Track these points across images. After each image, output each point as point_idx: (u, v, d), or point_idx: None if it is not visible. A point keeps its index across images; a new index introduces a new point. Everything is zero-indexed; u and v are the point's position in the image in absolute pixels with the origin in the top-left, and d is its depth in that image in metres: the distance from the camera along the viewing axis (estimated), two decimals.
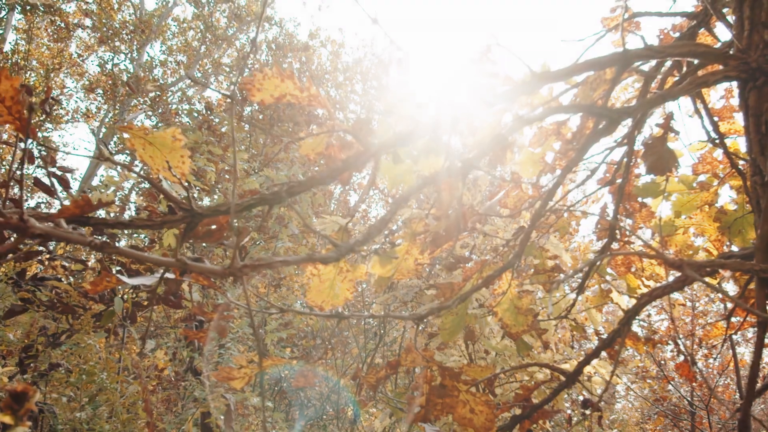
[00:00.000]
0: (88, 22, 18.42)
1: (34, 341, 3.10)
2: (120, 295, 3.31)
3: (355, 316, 1.45)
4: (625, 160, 2.22)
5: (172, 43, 20.69)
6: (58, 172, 3.59)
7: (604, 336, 2.71)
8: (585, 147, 1.68)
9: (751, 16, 1.53)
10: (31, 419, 4.03)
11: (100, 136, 17.69)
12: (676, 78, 2.32)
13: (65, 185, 3.52)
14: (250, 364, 1.77)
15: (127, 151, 18.33)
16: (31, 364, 3.40)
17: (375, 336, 6.66)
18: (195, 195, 6.95)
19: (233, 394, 4.10)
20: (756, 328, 1.31)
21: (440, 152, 1.44)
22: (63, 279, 3.77)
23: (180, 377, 5.66)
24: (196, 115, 10.12)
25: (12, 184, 3.57)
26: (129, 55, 18.72)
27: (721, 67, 1.48)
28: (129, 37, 18.24)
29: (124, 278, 1.70)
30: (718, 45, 2.01)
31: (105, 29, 17.81)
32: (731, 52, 1.51)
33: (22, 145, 1.18)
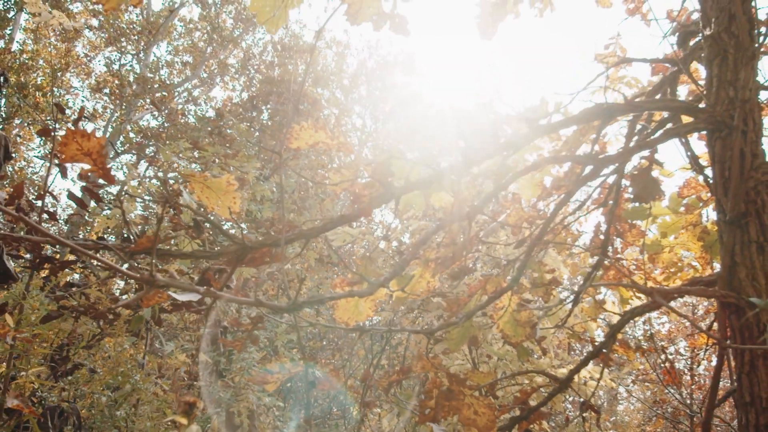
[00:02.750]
0: (95, 22, 18.62)
1: (73, 344, 3.36)
2: None
3: (375, 330, 1.70)
4: (616, 187, 2.46)
5: (179, 43, 20.87)
6: (90, 187, 3.85)
7: (599, 342, 2.95)
8: (575, 188, 1.92)
9: (719, 74, 1.77)
10: (59, 416, 4.29)
11: (107, 135, 17.93)
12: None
13: (97, 199, 3.78)
14: (282, 371, 2.02)
15: (134, 151, 18.60)
16: (65, 366, 3.66)
17: (381, 339, 6.89)
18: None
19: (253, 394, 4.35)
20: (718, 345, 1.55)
21: (450, 190, 1.69)
22: (92, 286, 4.03)
23: (193, 377, 5.92)
24: (208, 126, 10.36)
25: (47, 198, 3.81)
26: (136, 56, 18.93)
27: (692, 119, 1.73)
28: (136, 37, 18.45)
29: (175, 295, 1.96)
30: (692, 97, 2.25)
31: (112, 30, 18.02)
32: (701, 105, 1.75)
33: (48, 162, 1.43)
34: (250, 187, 6.59)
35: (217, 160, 6.70)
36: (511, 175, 1.56)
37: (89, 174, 3.63)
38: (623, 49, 2.93)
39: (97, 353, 4.07)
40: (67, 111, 17.16)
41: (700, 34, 1.94)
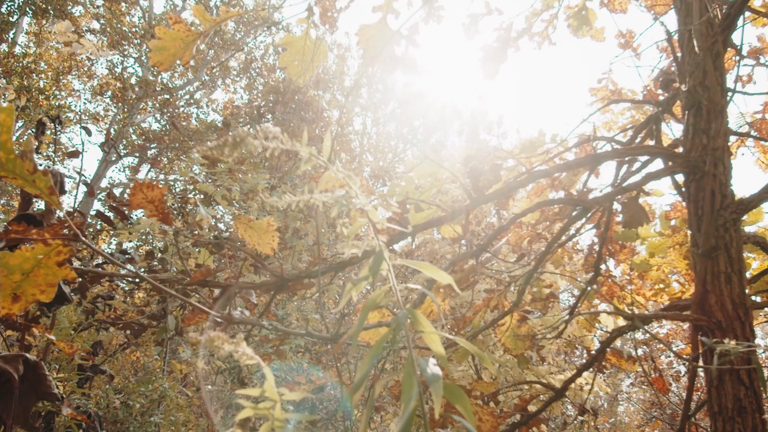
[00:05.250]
0: (96, 24, 18.76)
1: (106, 352, 3.61)
2: (171, 313, 3.82)
3: (392, 348, 1.94)
4: (607, 212, 2.70)
5: None
6: (115, 205, 4.09)
7: (592, 355, 3.19)
8: (567, 225, 2.17)
9: (694, 122, 2.01)
10: (89, 416, 4.54)
11: (110, 138, 18.09)
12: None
13: (123, 217, 4.02)
14: (308, 383, 2.26)
15: (136, 154, 18.78)
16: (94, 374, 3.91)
17: (387, 342, 7.12)
18: (222, 211, 7.47)
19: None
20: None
21: (458, 224, 1.93)
22: (117, 297, 4.28)
23: (209, 382, 6.18)
24: (214, 132, 10.62)
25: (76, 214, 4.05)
26: (138, 59, 19.05)
27: (670, 163, 1.97)
28: (138, 41, 18.57)
29: (214, 314, 2.20)
30: (671, 141, 2.50)
31: (114, 33, 18.18)
32: (678, 150, 2.00)
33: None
34: (259, 199, 6.82)
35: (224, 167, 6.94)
36: (511, 217, 1.81)
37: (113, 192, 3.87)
38: (615, 83, 3.17)
39: (120, 360, 4.31)
40: (70, 115, 17.35)
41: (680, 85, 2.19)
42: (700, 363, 2.05)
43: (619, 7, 2.88)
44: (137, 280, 4.91)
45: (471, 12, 2.50)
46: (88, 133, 4.30)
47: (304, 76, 2.10)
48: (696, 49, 2.06)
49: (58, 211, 2.73)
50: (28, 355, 2.20)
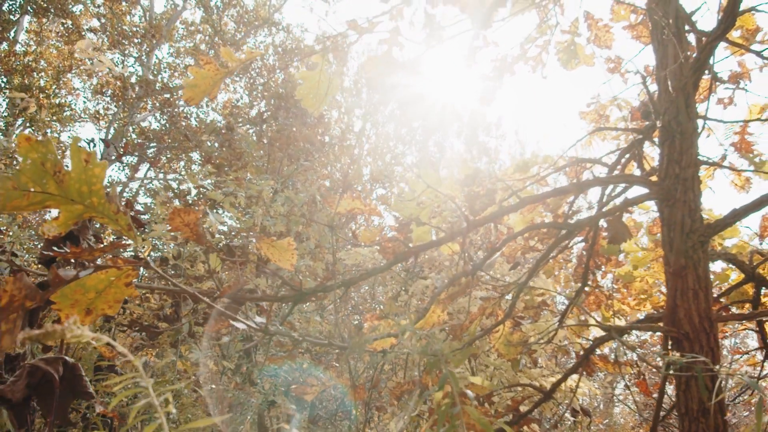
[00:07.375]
0: (96, 23, 18.84)
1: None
2: (185, 315, 4.05)
3: (397, 353, 2.17)
4: (594, 228, 2.93)
5: (180, 45, 21.14)
6: (133, 214, 4.31)
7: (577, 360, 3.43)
8: (555, 244, 2.40)
9: (668, 153, 2.25)
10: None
11: (109, 137, 18.26)
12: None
13: (139, 224, 4.24)
14: (319, 384, 2.48)
15: (136, 153, 18.93)
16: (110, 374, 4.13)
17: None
18: (230, 217, 7.69)
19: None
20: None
21: (456, 243, 2.16)
22: (131, 299, 4.51)
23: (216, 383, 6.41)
24: (215, 133, 10.83)
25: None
26: (138, 58, 19.14)
27: (647, 190, 2.20)
28: (139, 40, 18.68)
29: (234, 323, 2.42)
30: (650, 168, 2.74)
31: (115, 33, 18.29)
32: (654, 178, 2.23)
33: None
34: (263, 204, 7.03)
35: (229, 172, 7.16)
36: (503, 239, 2.04)
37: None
38: (602, 107, 3.41)
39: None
40: (69, 112, 17.50)
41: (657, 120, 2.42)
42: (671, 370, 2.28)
43: (604, 44, 3.11)
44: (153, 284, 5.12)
45: (470, 45, 2.73)
46: (107, 145, 4.52)
47: (318, 107, 2.33)
48: (670, 88, 2.29)
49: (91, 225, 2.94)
50: (66, 357, 2.42)
